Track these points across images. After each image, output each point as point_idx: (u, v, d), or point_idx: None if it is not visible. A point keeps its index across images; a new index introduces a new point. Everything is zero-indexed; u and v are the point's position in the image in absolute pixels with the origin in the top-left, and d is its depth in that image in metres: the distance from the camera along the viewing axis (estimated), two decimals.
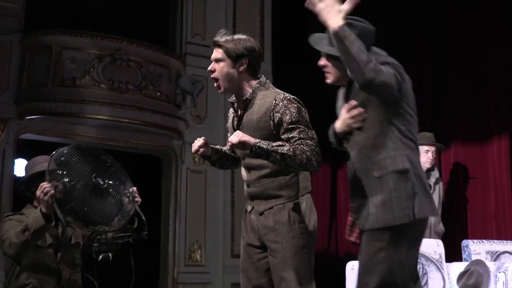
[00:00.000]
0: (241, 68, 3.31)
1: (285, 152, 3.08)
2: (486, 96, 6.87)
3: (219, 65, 3.33)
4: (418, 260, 5.16)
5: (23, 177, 4.37)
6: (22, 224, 4.04)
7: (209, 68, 3.38)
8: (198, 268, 9.02)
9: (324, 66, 3.25)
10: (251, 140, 3.09)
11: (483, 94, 6.90)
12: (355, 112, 3.10)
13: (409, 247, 3.03)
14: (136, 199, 3.93)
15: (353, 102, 3.10)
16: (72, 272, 4.24)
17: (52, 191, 3.70)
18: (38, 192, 3.76)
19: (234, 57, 3.30)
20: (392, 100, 3.01)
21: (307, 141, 3.13)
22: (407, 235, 3.01)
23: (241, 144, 3.10)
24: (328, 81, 3.27)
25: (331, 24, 2.88)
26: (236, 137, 3.09)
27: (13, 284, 4.14)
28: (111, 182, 3.83)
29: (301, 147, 3.10)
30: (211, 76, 3.37)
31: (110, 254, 3.83)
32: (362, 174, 3.09)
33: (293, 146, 3.10)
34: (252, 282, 3.33)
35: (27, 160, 7.98)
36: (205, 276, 9.02)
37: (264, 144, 3.09)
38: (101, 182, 3.77)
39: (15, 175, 7.94)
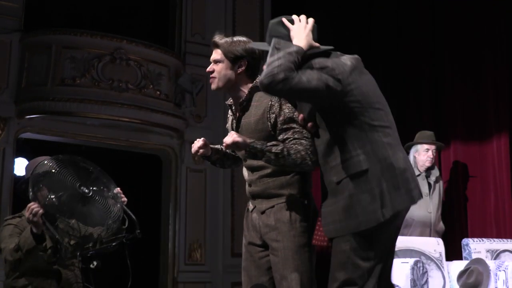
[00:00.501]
0: (240, 70, 3.32)
1: (279, 151, 3.09)
2: (486, 95, 6.86)
3: (217, 66, 3.33)
4: (418, 259, 5.20)
5: (24, 177, 4.38)
6: (20, 228, 4.04)
7: (208, 69, 3.38)
8: (198, 267, 9.02)
9: None
10: (246, 140, 3.11)
11: (483, 93, 6.90)
12: (300, 121, 3.12)
13: (382, 243, 2.95)
14: (122, 199, 3.93)
15: (300, 117, 3.11)
16: (72, 272, 4.24)
17: (41, 211, 3.69)
18: (26, 214, 3.75)
19: (232, 59, 3.30)
20: (322, 102, 2.95)
21: (302, 141, 3.14)
22: (379, 233, 2.92)
23: (235, 145, 3.12)
24: None
25: (295, 40, 3.01)
26: (230, 137, 3.12)
27: (13, 285, 4.14)
28: (95, 189, 3.81)
29: (295, 146, 3.11)
30: (210, 76, 3.37)
31: (100, 263, 3.83)
32: (326, 180, 3.05)
33: (287, 146, 3.12)
34: (253, 280, 3.33)
35: (27, 159, 8.02)
36: (205, 275, 9.02)
37: (258, 144, 3.11)
38: (86, 191, 3.74)
39: (15, 174, 7.95)
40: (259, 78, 3.04)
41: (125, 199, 3.97)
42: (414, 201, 2.97)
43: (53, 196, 3.69)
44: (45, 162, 3.77)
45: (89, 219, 3.75)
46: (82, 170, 3.85)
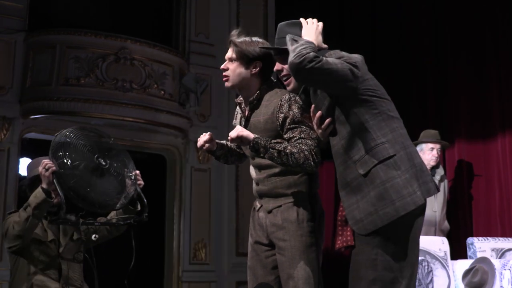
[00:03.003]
0: (254, 71, 3.32)
1: (282, 149, 3.11)
2: (490, 94, 6.86)
3: (232, 64, 3.33)
4: (423, 258, 5.19)
5: (25, 178, 4.41)
6: None
7: (222, 66, 3.37)
8: (202, 267, 9.02)
9: (280, 71, 3.28)
10: (250, 135, 3.14)
11: (487, 92, 6.89)
12: (316, 120, 3.09)
13: (409, 239, 2.89)
14: (139, 182, 3.97)
15: (318, 114, 3.08)
16: (73, 266, 4.26)
17: (54, 168, 3.75)
18: (40, 168, 3.82)
19: (249, 59, 3.30)
20: (346, 89, 2.93)
21: (307, 141, 3.14)
22: (406, 227, 2.87)
23: (239, 139, 3.14)
24: (289, 88, 3.29)
25: (306, 38, 3.04)
26: (235, 131, 3.14)
27: (16, 280, 4.18)
28: (113, 163, 3.88)
29: (299, 146, 3.12)
30: (223, 73, 3.36)
31: (96, 236, 3.90)
32: (348, 177, 2.97)
33: (291, 145, 3.13)
34: (259, 279, 3.34)
35: (32, 159, 8.01)
36: (209, 274, 9.02)
37: (262, 140, 3.13)
38: (103, 163, 3.81)
39: (20, 174, 7.96)
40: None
41: (141, 182, 4.01)
42: (430, 194, 2.94)
43: (69, 162, 3.76)
44: (69, 131, 3.84)
45: (101, 190, 3.79)
46: (103, 143, 3.93)
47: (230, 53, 3.35)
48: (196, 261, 8.99)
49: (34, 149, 8.12)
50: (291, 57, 2.87)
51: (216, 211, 9.20)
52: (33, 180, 4.22)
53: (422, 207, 2.93)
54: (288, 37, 3.02)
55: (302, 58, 2.81)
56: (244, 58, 3.30)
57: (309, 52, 2.83)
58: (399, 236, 2.87)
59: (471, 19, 7.10)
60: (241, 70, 3.31)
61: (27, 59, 8.06)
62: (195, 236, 9.02)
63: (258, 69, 3.31)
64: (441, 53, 7.40)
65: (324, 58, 2.87)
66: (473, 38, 7.06)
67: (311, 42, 2.95)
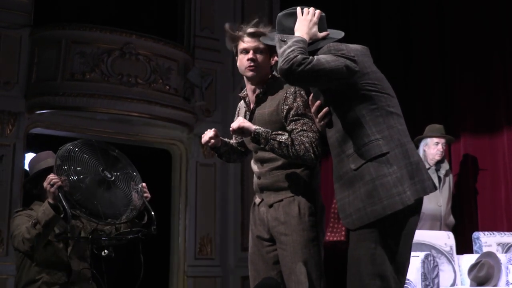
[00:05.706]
0: (272, 63, 3.33)
1: (283, 140, 3.11)
2: (495, 88, 6.82)
3: (260, 56, 3.31)
4: (429, 252, 5.19)
5: (28, 175, 4.41)
6: (32, 218, 4.06)
7: (250, 56, 3.30)
8: (208, 262, 9.04)
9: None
10: (252, 126, 3.15)
11: (492, 86, 6.85)
12: (314, 109, 3.08)
13: (402, 236, 2.86)
14: (145, 194, 3.96)
15: (317, 103, 3.06)
16: (82, 266, 4.26)
17: (59, 183, 3.72)
18: (45, 184, 3.78)
19: (272, 51, 3.30)
20: (341, 85, 2.90)
21: (309, 133, 3.15)
22: (400, 224, 2.84)
23: (241, 130, 3.16)
24: None
25: (297, 33, 3.01)
26: (236, 123, 3.17)
27: (24, 278, 4.17)
28: (120, 176, 3.86)
29: (300, 138, 3.13)
30: (251, 64, 3.30)
31: (112, 251, 3.86)
32: (341, 170, 2.95)
33: (292, 136, 3.14)
34: (261, 274, 3.34)
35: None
36: (215, 269, 9.04)
37: (263, 131, 3.14)
38: (109, 175, 3.80)
39: (25, 169, 7.97)
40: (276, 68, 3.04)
41: (148, 195, 4.00)
42: (426, 192, 2.90)
43: (75, 177, 3.74)
44: (75, 144, 3.83)
45: (108, 204, 3.79)
46: (110, 157, 3.91)
47: (256, 43, 3.30)
48: (202, 256, 9.01)
49: (40, 144, 8.14)
50: (279, 63, 2.85)
51: (221, 206, 9.22)
52: (36, 175, 4.22)
53: (414, 206, 2.87)
54: (276, 38, 2.99)
55: (290, 63, 2.78)
56: (270, 49, 3.29)
57: (296, 56, 2.80)
58: (395, 232, 2.85)
59: (477, 13, 7.06)
60: (267, 61, 3.32)
61: (33, 54, 8.07)
62: (200, 231, 9.03)
63: (275, 61, 3.30)
64: (447, 47, 7.37)
65: (315, 57, 2.83)
66: (478, 32, 7.02)
67: (300, 41, 2.91)
